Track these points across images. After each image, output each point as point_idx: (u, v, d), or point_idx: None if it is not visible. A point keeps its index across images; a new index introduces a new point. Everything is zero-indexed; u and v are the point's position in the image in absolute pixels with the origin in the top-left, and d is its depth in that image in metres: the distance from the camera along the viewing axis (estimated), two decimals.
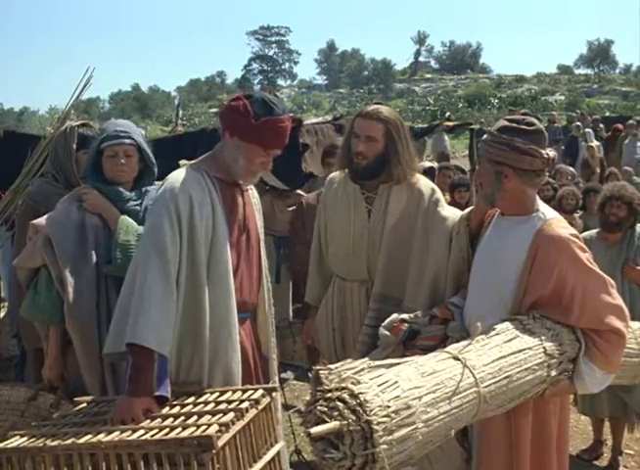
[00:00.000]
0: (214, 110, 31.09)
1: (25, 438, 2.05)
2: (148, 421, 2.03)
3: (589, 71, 46.94)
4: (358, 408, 1.66)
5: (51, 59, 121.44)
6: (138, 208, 2.73)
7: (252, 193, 2.54)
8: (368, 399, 1.69)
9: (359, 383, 1.75)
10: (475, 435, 2.33)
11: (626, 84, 37.25)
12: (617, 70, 48.02)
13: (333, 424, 1.65)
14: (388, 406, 1.70)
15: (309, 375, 1.99)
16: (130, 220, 2.68)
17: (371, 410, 1.66)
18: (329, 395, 1.72)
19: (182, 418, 2.01)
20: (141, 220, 2.69)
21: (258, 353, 2.53)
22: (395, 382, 1.79)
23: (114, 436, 1.94)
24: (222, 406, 2.05)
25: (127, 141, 2.73)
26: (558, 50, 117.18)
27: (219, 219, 2.28)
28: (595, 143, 12.16)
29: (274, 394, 2.21)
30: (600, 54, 49.30)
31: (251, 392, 2.15)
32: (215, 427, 1.88)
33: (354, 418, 1.65)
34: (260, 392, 2.14)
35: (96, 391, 2.60)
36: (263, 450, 2.12)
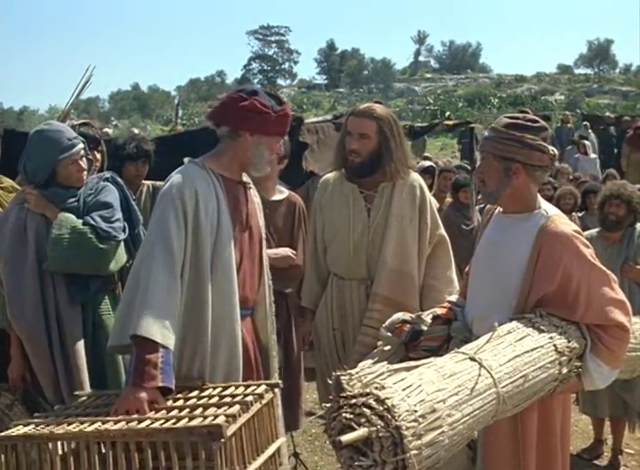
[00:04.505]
0: None
1: (31, 427, 2.03)
2: (152, 412, 2.03)
3: (589, 71, 46.88)
4: (386, 414, 1.63)
5: (51, 58, 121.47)
6: (76, 204, 2.75)
7: (254, 192, 2.54)
8: (395, 403, 1.65)
9: (384, 388, 1.72)
10: (480, 433, 2.31)
11: (626, 84, 37.23)
12: (617, 70, 47.94)
13: (362, 431, 1.61)
14: (415, 411, 1.67)
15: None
16: (67, 215, 2.69)
17: (399, 415, 1.63)
18: (353, 401, 1.68)
19: (187, 410, 2.01)
20: (81, 214, 2.73)
21: (259, 350, 2.53)
22: (419, 385, 1.76)
23: (122, 425, 1.93)
24: (227, 400, 2.05)
25: (82, 145, 2.78)
26: (558, 50, 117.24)
27: (224, 216, 2.30)
28: (592, 156, 11.72)
29: (276, 390, 2.20)
30: (600, 53, 49.19)
31: (253, 387, 2.15)
32: (223, 417, 1.87)
33: (383, 424, 1.62)
34: (263, 387, 2.15)
35: (50, 391, 2.62)
36: (265, 445, 2.11)
